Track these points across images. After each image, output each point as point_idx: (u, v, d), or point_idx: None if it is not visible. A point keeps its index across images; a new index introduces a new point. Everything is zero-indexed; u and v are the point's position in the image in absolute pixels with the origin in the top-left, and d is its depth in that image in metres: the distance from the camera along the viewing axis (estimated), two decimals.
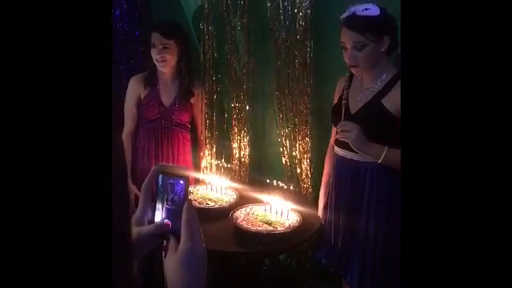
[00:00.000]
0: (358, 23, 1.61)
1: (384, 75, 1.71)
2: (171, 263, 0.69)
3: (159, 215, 0.76)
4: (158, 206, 0.76)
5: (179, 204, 0.73)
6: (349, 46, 1.65)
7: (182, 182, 0.75)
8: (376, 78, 1.72)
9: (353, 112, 1.73)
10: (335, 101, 1.89)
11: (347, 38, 1.65)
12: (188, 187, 0.75)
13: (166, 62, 2.25)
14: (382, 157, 1.62)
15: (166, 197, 0.75)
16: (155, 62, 2.26)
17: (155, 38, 2.23)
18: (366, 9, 1.62)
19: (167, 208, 0.75)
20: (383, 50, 1.66)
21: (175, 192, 0.75)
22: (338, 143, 1.82)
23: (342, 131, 1.66)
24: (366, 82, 1.75)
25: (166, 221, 0.75)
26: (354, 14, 1.63)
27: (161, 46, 2.22)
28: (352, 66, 1.69)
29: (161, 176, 0.76)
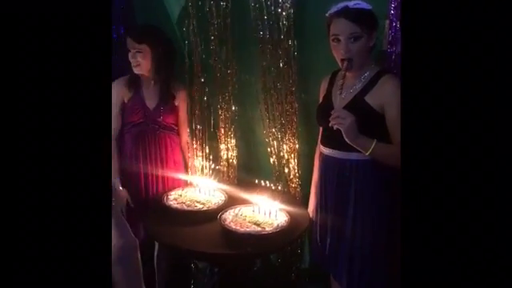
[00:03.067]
0: (354, 14, 1.61)
1: (367, 73, 1.71)
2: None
3: None
4: None
5: None
6: (343, 38, 1.63)
7: None
8: (359, 75, 1.72)
9: None
10: (320, 100, 1.88)
11: (342, 29, 1.62)
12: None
13: (140, 67, 2.26)
14: (371, 149, 1.61)
15: None
16: (132, 66, 2.26)
17: (128, 42, 2.25)
18: (358, 3, 1.63)
19: None
20: (370, 45, 1.67)
21: None
22: (324, 142, 1.82)
23: (337, 117, 1.62)
24: (349, 80, 1.74)
25: None
26: (346, 6, 1.63)
27: (134, 51, 2.24)
28: (345, 60, 1.65)
29: None
